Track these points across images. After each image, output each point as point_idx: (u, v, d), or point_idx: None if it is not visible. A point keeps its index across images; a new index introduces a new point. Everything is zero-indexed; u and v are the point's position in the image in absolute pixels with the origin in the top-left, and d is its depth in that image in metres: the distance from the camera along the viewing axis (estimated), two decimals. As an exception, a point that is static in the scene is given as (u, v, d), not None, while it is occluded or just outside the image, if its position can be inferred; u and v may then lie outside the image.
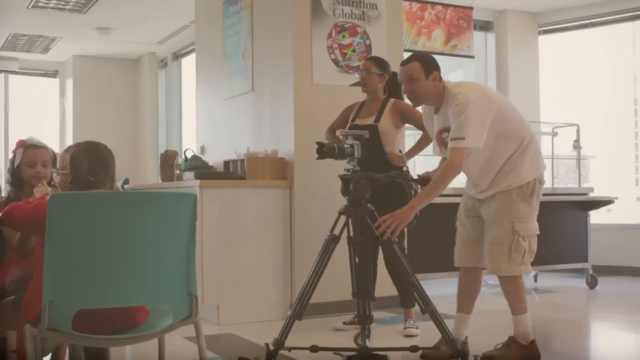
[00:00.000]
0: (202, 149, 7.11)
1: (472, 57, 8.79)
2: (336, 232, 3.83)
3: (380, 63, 4.98)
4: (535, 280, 7.02)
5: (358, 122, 4.91)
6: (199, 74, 7.43)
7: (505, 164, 3.82)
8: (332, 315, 5.28)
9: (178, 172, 6.11)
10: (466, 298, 4.03)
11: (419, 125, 4.79)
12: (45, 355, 3.26)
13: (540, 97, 9.02)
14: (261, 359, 3.54)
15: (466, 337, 3.94)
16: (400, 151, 4.93)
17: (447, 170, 3.72)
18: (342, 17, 5.72)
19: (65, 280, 2.58)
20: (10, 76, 11.40)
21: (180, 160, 6.19)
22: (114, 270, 2.67)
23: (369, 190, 3.73)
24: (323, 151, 3.81)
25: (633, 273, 7.81)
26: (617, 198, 7.21)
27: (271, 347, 3.56)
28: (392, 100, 4.93)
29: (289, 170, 5.54)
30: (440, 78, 3.86)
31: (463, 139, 3.64)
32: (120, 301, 2.74)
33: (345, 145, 3.79)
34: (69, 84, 11.49)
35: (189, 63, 10.42)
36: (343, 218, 3.85)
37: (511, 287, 3.88)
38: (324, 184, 5.56)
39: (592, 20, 8.84)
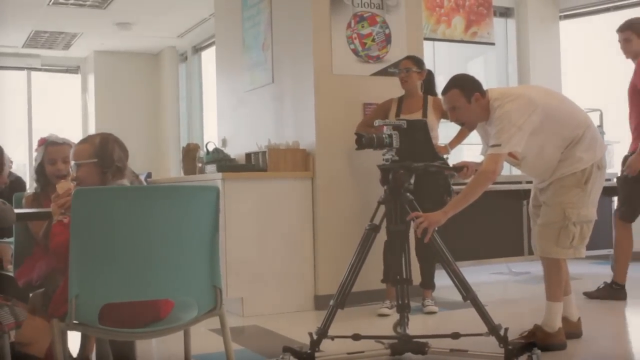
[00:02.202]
0: (224, 142, 7.13)
1: (493, 44, 8.73)
2: (376, 221, 3.84)
3: (418, 62, 5.30)
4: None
5: (404, 117, 5.08)
6: (219, 66, 7.45)
7: (561, 155, 3.87)
8: (368, 304, 5.29)
9: (200, 165, 6.13)
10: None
11: None
12: None
13: (562, 83, 8.93)
14: (305, 348, 3.57)
15: (579, 319, 4.14)
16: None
17: (480, 176, 3.77)
18: (361, 6, 5.70)
19: (90, 274, 2.60)
20: (33, 73, 11.51)
21: (202, 153, 6.21)
22: (139, 264, 2.70)
23: (408, 180, 3.76)
24: (362, 142, 3.83)
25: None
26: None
27: (315, 336, 3.59)
28: (430, 97, 5.25)
29: (310, 161, 5.54)
30: (483, 94, 3.85)
31: (499, 145, 3.71)
32: (145, 295, 2.77)
33: (383, 136, 3.81)
34: (91, 79, 11.57)
35: (209, 56, 10.44)
36: (382, 207, 3.86)
37: (553, 272, 3.91)
38: (346, 174, 5.57)
39: (614, 4, 8.72)
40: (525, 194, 6.15)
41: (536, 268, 4.71)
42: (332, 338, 3.61)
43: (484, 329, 3.55)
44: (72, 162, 3.07)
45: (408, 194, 3.76)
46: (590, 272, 6.91)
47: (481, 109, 3.85)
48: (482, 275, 6.87)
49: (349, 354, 3.65)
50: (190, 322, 2.87)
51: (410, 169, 3.77)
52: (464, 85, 3.86)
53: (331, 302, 3.69)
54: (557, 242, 3.84)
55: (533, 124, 3.75)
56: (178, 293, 2.87)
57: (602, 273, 6.17)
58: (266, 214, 5.35)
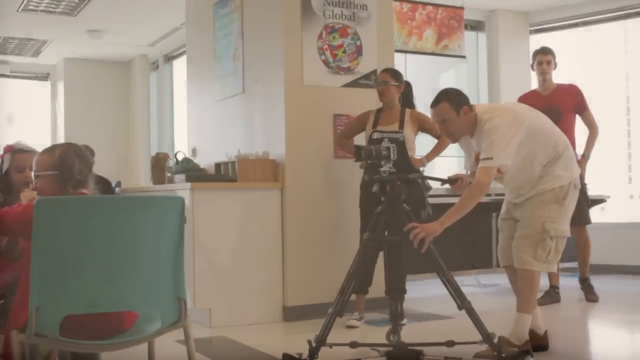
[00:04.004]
0: (194, 151, 7.09)
1: (464, 57, 8.79)
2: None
3: (396, 74, 5.28)
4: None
5: (380, 128, 5.11)
6: (189, 76, 7.41)
7: (541, 172, 3.97)
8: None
9: (169, 174, 6.09)
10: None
11: (434, 134, 5.21)
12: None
13: (532, 96, 9.02)
14: (304, 355, 3.61)
15: (546, 332, 4.15)
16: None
17: (474, 188, 3.85)
18: (333, 18, 5.71)
19: (52, 285, 2.56)
20: (1, 80, 11.35)
21: (171, 162, 6.17)
22: (102, 275, 2.65)
23: (404, 191, 3.83)
24: (361, 154, 3.89)
25: (627, 271, 7.81)
26: (609, 197, 7.21)
27: (313, 344, 3.65)
28: (408, 110, 5.25)
29: (280, 172, 5.52)
30: (471, 108, 3.94)
31: (491, 158, 3.80)
32: (108, 306, 2.72)
33: (381, 148, 3.87)
34: (61, 87, 11.46)
35: (180, 65, 10.40)
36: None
37: (526, 283, 3.96)
38: (315, 185, 5.56)
39: (583, 20, 8.84)
40: (495, 206, 6.18)
41: (505, 280, 4.74)
42: (330, 346, 3.68)
43: (477, 337, 3.65)
44: (33, 173, 3.04)
45: (404, 205, 3.82)
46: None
47: (468, 122, 3.93)
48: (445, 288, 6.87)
49: None
50: (153, 334, 2.83)
51: (407, 181, 3.84)
52: (453, 98, 3.94)
53: (330, 310, 3.75)
54: (534, 254, 3.91)
55: (520, 138, 3.85)
56: (142, 305, 2.83)
57: (571, 285, 6.23)
58: (235, 224, 5.31)
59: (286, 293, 5.44)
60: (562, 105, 5.90)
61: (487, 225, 6.59)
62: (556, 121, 5.65)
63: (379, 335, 4.56)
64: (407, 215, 3.81)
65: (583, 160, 5.92)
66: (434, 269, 3.79)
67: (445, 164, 8.34)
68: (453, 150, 7.54)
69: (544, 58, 6.07)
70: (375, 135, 4.22)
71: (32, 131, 11.56)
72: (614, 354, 4.43)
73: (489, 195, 6.52)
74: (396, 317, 3.80)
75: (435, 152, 5.31)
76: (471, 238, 6.47)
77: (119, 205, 2.76)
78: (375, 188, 3.92)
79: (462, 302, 3.69)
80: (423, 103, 5.43)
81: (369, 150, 3.88)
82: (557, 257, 4.00)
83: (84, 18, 8.88)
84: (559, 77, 6.23)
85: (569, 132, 5.83)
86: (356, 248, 5.03)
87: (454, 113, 3.90)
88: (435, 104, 3.96)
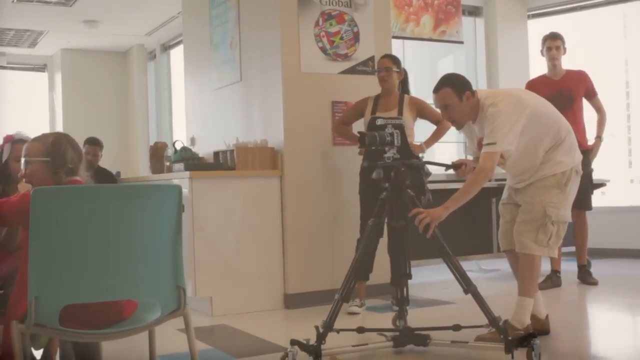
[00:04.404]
0: (192, 140, 7.07)
1: (461, 42, 8.75)
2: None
3: (397, 61, 5.29)
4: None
5: (380, 115, 5.07)
6: (187, 65, 7.39)
7: (543, 157, 3.97)
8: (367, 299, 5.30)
9: (168, 163, 6.08)
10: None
11: (433, 119, 5.25)
12: (37, 349, 3.25)
13: (531, 81, 8.99)
14: (312, 341, 3.61)
15: (547, 316, 4.18)
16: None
17: (479, 174, 3.86)
18: (329, 4, 5.68)
19: (50, 275, 2.55)
20: (-1, 71, 11.33)
21: (170, 151, 6.16)
22: (100, 264, 2.65)
23: (409, 177, 3.84)
24: (364, 141, 3.89)
25: (627, 255, 7.82)
26: (608, 181, 7.21)
27: (321, 330, 3.65)
28: (407, 96, 5.27)
29: (279, 159, 5.51)
30: (473, 93, 3.93)
31: (494, 144, 3.79)
32: (107, 295, 2.72)
33: (385, 134, 3.86)
34: (58, 77, 11.43)
35: (177, 54, 10.36)
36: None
37: (528, 267, 3.97)
38: (314, 173, 5.55)
39: (581, 4, 8.80)
40: (495, 191, 6.19)
41: (505, 265, 4.74)
42: (338, 331, 3.70)
43: (480, 321, 3.69)
44: (23, 159, 3.02)
45: (409, 191, 3.82)
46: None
47: (470, 107, 3.92)
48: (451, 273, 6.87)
49: (353, 346, 3.79)
50: (153, 322, 2.82)
51: (412, 167, 3.87)
52: (455, 83, 3.93)
53: (336, 296, 3.75)
54: (535, 239, 3.92)
55: (523, 123, 3.84)
56: (140, 293, 2.83)
57: (571, 269, 6.22)
58: (235, 212, 5.31)
59: (287, 280, 5.44)
60: (574, 90, 5.96)
61: (487, 210, 6.57)
62: (568, 106, 5.70)
63: (380, 321, 4.59)
64: (412, 200, 3.81)
65: (598, 142, 6.09)
66: (440, 254, 3.79)
67: (446, 150, 8.34)
68: (453, 135, 7.54)
69: (553, 44, 6.11)
70: (379, 122, 4.19)
71: (30, 122, 11.52)
72: (615, 338, 4.43)
73: (489, 180, 6.51)
74: (402, 303, 3.84)
75: (435, 137, 5.32)
76: (471, 223, 6.46)
77: (117, 194, 2.76)
78: (376, 174, 3.91)
79: (468, 286, 3.69)
80: (421, 89, 5.42)
81: (373, 137, 3.86)
82: (559, 242, 4.01)
83: (79, 8, 8.84)
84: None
85: (579, 117, 5.95)
86: (356, 234, 5.07)
87: (457, 98, 3.89)
88: (437, 89, 3.95)
